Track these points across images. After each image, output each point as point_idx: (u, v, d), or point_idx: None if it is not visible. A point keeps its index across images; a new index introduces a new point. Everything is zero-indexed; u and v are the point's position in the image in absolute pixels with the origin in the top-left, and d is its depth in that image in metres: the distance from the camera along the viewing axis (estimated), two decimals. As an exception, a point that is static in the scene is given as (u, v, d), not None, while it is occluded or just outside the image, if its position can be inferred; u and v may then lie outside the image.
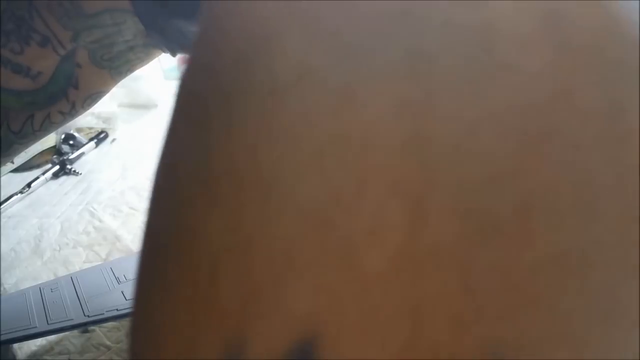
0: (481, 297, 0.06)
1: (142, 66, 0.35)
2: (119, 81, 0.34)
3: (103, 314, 0.34)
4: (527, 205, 0.06)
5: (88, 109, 0.34)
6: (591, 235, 0.06)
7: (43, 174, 0.61)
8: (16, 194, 0.58)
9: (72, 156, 0.65)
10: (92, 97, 0.34)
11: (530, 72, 0.06)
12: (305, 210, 0.06)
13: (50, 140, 0.68)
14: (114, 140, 0.70)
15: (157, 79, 0.83)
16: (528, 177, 0.06)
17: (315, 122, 0.06)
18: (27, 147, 0.34)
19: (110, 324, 0.40)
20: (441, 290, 0.06)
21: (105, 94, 0.35)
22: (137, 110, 0.76)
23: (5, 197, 0.57)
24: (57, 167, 0.62)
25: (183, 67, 0.08)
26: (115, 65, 0.32)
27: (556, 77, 0.07)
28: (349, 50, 0.07)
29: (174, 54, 0.34)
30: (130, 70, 0.34)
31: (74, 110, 0.33)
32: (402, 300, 0.06)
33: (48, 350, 0.39)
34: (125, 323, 0.40)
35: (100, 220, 0.53)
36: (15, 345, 0.39)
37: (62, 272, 0.46)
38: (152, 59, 0.34)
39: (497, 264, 0.06)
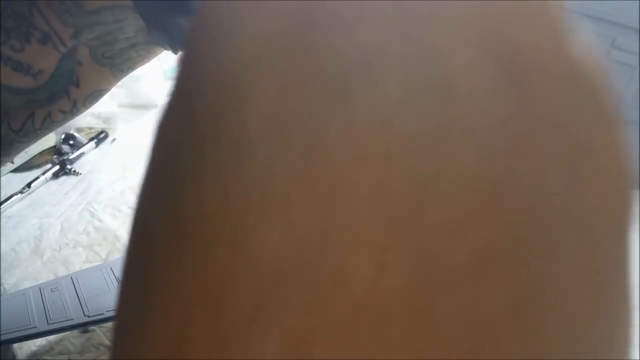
0: (441, 342, 0.06)
1: (143, 64, 0.34)
2: (120, 79, 0.34)
3: (103, 314, 0.34)
4: (487, 251, 0.06)
5: (89, 107, 0.34)
6: (553, 278, 0.06)
7: (43, 174, 0.61)
8: (16, 194, 0.58)
9: (72, 156, 0.65)
10: (94, 95, 0.33)
11: (490, 126, 0.07)
12: (272, 262, 0.06)
13: (50, 140, 0.68)
14: (114, 140, 0.70)
15: (157, 79, 0.83)
16: (487, 223, 0.06)
17: (284, 171, 0.06)
18: (28, 145, 0.34)
19: (110, 324, 0.40)
20: (403, 338, 0.06)
21: (106, 92, 0.35)
22: (137, 110, 0.76)
23: (5, 197, 0.57)
24: (57, 167, 0.62)
25: (163, 104, 0.08)
26: (117, 62, 0.32)
27: (516, 128, 0.07)
28: (317, 101, 0.07)
29: (175, 52, 0.34)
30: (132, 68, 0.34)
31: (75, 108, 0.33)
32: (366, 347, 0.06)
33: (48, 350, 0.39)
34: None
35: (100, 220, 0.53)
36: (15, 345, 0.39)
37: (62, 272, 0.46)
38: (153, 57, 0.34)
39: (457, 310, 0.06)
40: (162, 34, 0.32)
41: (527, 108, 0.07)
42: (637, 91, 0.26)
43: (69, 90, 0.32)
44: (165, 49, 0.34)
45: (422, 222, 0.06)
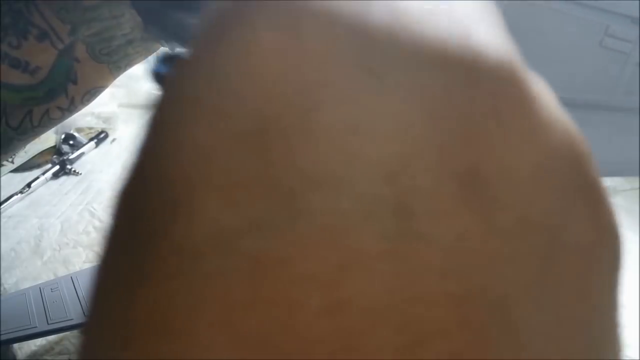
0: None
1: (140, 61, 0.34)
2: (117, 76, 0.34)
3: (103, 314, 0.34)
4: None
5: (87, 105, 0.34)
6: None
7: (43, 174, 0.61)
8: (16, 194, 0.58)
9: (72, 156, 0.65)
10: (91, 92, 0.33)
11: (449, 245, 0.06)
12: None
13: (50, 140, 0.68)
14: (114, 140, 0.70)
15: (157, 79, 0.84)
16: (451, 338, 0.06)
17: (231, 288, 0.06)
18: (26, 143, 0.34)
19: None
20: None
21: (104, 90, 0.35)
22: (137, 110, 0.76)
23: (5, 197, 0.57)
24: (57, 167, 0.62)
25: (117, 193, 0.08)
26: (114, 59, 0.32)
27: (478, 244, 0.07)
28: (267, 216, 0.06)
29: (172, 48, 0.34)
30: (129, 64, 0.34)
31: (73, 105, 0.33)
32: None
33: (48, 350, 0.39)
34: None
35: (100, 220, 0.53)
36: (15, 345, 0.39)
37: (62, 272, 0.46)
38: (150, 54, 0.34)
39: None
40: (158, 29, 0.32)
41: (490, 220, 0.07)
42: (630, 79, 0.26)
43: (66, 87, 0.32)
44: (163, 45, 0.34)
45: (376, 341, 0.06)
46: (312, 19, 0.07)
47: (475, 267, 0.06)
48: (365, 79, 0.07)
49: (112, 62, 0.32)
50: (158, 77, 0.10)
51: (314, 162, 0.07)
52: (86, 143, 0.67)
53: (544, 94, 0.08)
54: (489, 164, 0.07)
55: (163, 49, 0.10)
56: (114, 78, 0.34)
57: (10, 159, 0.64)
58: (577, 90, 0.27)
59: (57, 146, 0.67)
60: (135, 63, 0.34)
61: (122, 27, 0.31)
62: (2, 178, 0.62)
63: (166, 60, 0.10)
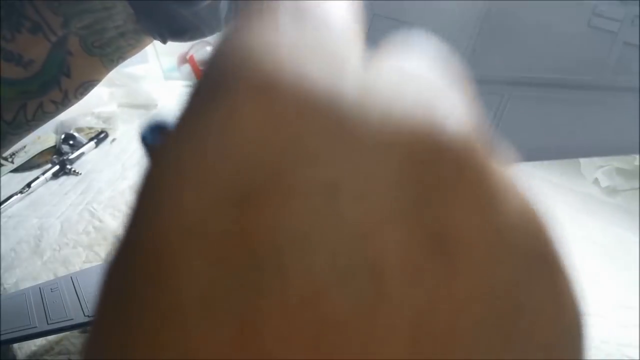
0: None
1: (133, 54, 0.34)
2: (110, 69, 0.34)
3: (103, 314, 0.34)
4: None
5: (81, 99, 0.34)
6: None
7: (43, 174, 0.61)
8: (16, 194, 0.58)
9: (72, 156, 0.65)
10: (85, 85, 0.33)
11: (417, 305, 0.07)
12: None
13: (50, 140, 0.68)
14: (114, 140, 0.70)
15: (157, 79, 0.84)
16: None
17: (217, 351, 0.06)
18: (20, 138, 0.34)
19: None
20: None
21: (97, 83, 0.35)
22: (137, 110, 0.76)
23: (5, 197, 0.57)
24: (57, 167, 0.62)
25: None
26: (107, 52, 0.32)
27: (444, 305, 0.07)
28: (249, 276, 0.07)
29: (164, 41, 0.34)
30: (122, 57, 0.34)
31: (67, 99, 0.33)
32: None
33: (48, 350, 0.39)
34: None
35: (100, 220, 0.53)
36: (15, 345, 0.39)
37: (62, 272, 0.46)
38: (143, 46, 0.34)
39: None
40: (150, 22, 0.32)
41: (454, 286, 0.07)
42: (618, 58, 0.26)
43: (60, 80, 0.32)
44: (155, 38, 0.34)
45: None
46: (288, 90, 0.08)
47: (440, 333, 0.07)
48: (338, 145, 0.07)
49: (105, 55, 0.32)
50: (146, 145, 0.11)
51: (289, 222, 0.07)
52: (86, 143, 0.67)
53: (503, 165, 0.08)
54: (452, 231, 0.07)
55: (153, 117, 0.10)
56: (108, 71, 0.34)
57: (10, 159, 0.64)
58: (566, 70, 0.27)
59: (57, 146, 0.67)
60: (128, 56, 0.34)
61: (114, 19, 0.31)
62: (2, 178, 0.62)
63: (154, 128, 0.11)
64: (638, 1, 0.25)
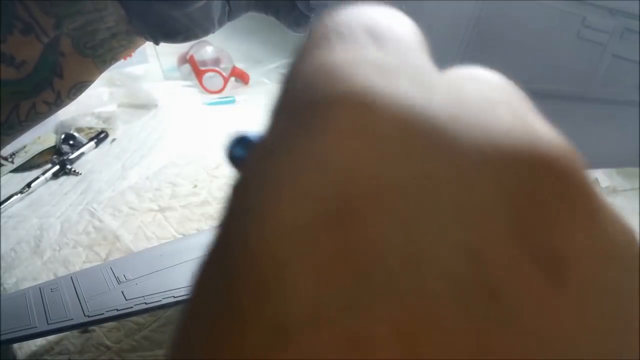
0: None
1: (125, 55, 0.34)
2: (103, 70, 0.34)
3: (103, 314, 0.34)
4: None
5: (73, 99, 0.34)
6: None
7: (43, 174, 0.61)
8: (16, 194, 0.58)
9: (72, 156, 0.65)
10: (77, 86, 0.33)
11: (538, 327, 0.07)
12: None
13: (50, 140, 0.68)
14: (114, 140, 0.70)
15: (157, 79, 0.84)
16: None
17: None
18: (14, 138, 0.34)
19: (110, 324, 0.40)
20: None
21: (90, 84, 0.35)
22: (137, 110, 0.76)
23: (5, 197, 0.57)
24: (57, 167, 0.62)
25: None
26: (99, 53, 0.32)
27: (564, 327, 0.07)
28: (357, 296, 0.07)
29: (156, 42, 0.34)
30: (115, 58, 0.34)
31: (60, 100, 0.33)
32: None
33: (48, 350, 0.39)
34: (125, 323, 0.40)
35: (100, 220, 0.53)
36: (15, 345, 0.39)
37: (62, 272, 0.46)
38: (135, 47, 0.34)
39: None
40: (142, 23, 0.32)
41: (573, 304, 0.07)
42: (607, 70, 0.26)
43: (52, 81, 0.32)
44: (147, 39, 0.34)
45: None
46: (385, 108, 0.08)
47: (561, 352, 0.07)
48: (440, 163, 0.07)
49: (97, 56, 0.32)
50: (234, 159, 0.11)
51: (398, 240, 0.07)
52: (86, 143, 0.67)
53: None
54: (562, 249, 0.07)
55: (237, 132, 0.10)
56: (100, 72, 0.34)
57: (10, 159, 0.64)
58: (554, 81, 0.27)
59: (57, 146, 0.67)
60: (121, 57, 0.34)
61: (106, 21, 0.31)
62: (2, 178, 0.62)
63: (240, 142, 0.11)
64: (627, 14, 0.25)
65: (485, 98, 0.08)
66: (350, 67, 0.08)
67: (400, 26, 0.10)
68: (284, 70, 0.10)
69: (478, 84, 0.09)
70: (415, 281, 0.07)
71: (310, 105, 0.08)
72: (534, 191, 0.07)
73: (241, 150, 0.11)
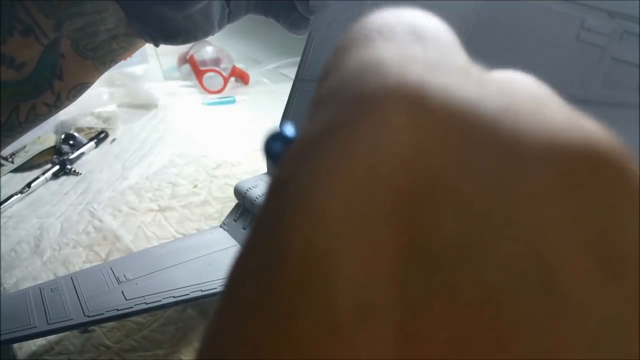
0: None
1: (125, 57, 0.34)
2: (103, 72, 0.34)
3: (103, 314, 0.34)
4: None
5: (73, 101, 0.34)
6: None
7: (43, 174, 0.61)
8: (16, 194, 0.58)
9: (72, 156, 0.65)
10: (77, 88, 0.33)
11: (593, 322, 0.07)
12: None
13: (50, 140, 0.68)
14: (114, 140, 0.70)
15: (157, 79, 0.84)
16: None
17: (375, 357, 0.06)
18: (13, 140, 0.34)
19: (110, 324, 0.40)
20: None
21: (90, 86, 0.35)
22: (137, 110, 0.76)
23: (5, 197, 0.57)
24: (57, 167, 0.62)
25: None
26: (99, 55, 0.32)
27: (617, 323, 0.07)
28: (410, 286, 0.07)
29: (156, 44, 0.34)
30: (114, 60, 0.34)
31: (59, 101, 0.33)
32: None
33: (48, 350, 0.39)
34: (125, 323, 0.40)
35: (100, 220, 0.53)
36: (15, 345, 0.39)
37: (62, 272, 0.46)
38: (135, 49, 0.34)
39: None
40: (142, 25, 0.32)
41: (628, 300, 0.07)
42: (606, 72, 0.26)
43: (52, 83, 0.32)
44: (147, 41, 0.34)
45: None
46: (437, 102, 0.08)
47: (622, 340, 0.07)
48: (495, 156, 0.07)
49: (97, 58, 0.32)
50: (271, 155, 0.11)
51: (456, 230, 0.07)
52: (86, 143, 0.67)
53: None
54: (623, 239, 0.07)
55: (274, 128, 0.10)
56: (100, 74, 0.34)
57: (10, 159, 0.64)
58: (553, 84, 0.27)
59: (57, 146, 0.67)
60: (121, 59, 0.34)
61: (106, 22, 0.31)
62: (2, 178, 0.62)
63: (277, 138, 0.11)
64: (626, 16, 0.25)
65: (533, 96, 0.08)
66: (400, 62, 0.08)
67: (437, 26, 0.10)
68: (321, 69, 0.10)
69: (521, 83, 0.09)
70: (475, 271, 0.06)
71: (360, 99, 0.08)
72: (592, 185, 0.07)
73: (279, 146, 0.11)
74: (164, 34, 0.33)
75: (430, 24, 0.10)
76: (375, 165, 0.07)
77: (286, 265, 0.07)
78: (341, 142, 0.08)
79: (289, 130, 0.11)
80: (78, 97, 0.34)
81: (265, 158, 0.11)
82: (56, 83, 0.32)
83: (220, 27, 0.34)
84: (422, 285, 0.06)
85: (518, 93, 0.08)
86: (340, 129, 0.08)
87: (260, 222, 0.08)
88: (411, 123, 0.08)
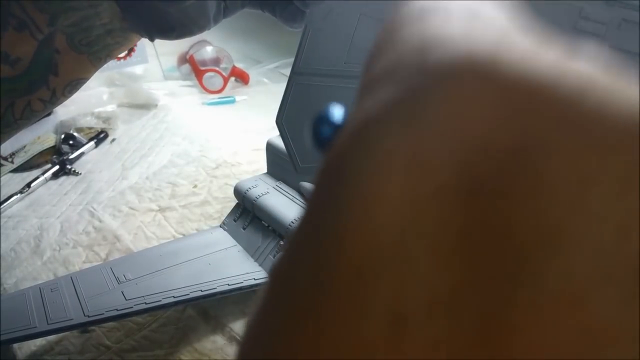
0: None
1: (121, 51, 0.34)
2: (98, 67, 0.34)
3: (103, 314, 0.34)
4: None
5: (69, 97, 0.34)
6: None
7: (43, 174, 0.61)
8: (16, 194, 0.58)
9: (72, 156, 0.65)
10: (72, 84, 0.33)
11: None
12: None
13: (50, 140, 0.68)
14: (114, 140, 0.70)
15: (157, 79, 0.84)
16: None
17: (456, 353, 0.06)
18: (9, 136, 0.34)
19: (110, 324, 0.40)
20: None
21: (85, 82, 0.34)
22: (137, 110, 0.76)
23: (5, 197, 0.57)
24: (57, 167, 0.62)
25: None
26: (94, 50, 0.32)
27: None
28: (493, 277, 0.06)
29: (151, 38, 0.34)
30: (110, 55, 0.34)
31: (55, 97, 0.33)
32: None
33: (48, 350, 0.39)
34: (125, 323, 0.40)
35: (100, 220, 0.53)
36: (15, 345, 0.39)
37: (62, 272, 0.46)
38: (130, 44, 0.34)
39: None
40: (137, 19, 0.32)
41: None
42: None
43: (47, 79, 0.32)
44: (142, 36, 0.34)
45: None
46: (508, 74, 0.07)
47: None
48: (579, 136, 0.07)
49: (92, 53, 0.32)
50: (320, 139, 0.10)
51: (541, 217, 0.06)
52: (86, 143, 0.67)
53: None
54: None
55: (321, 111, 0.10)
56: (95, 69, 0.34)
57: (10, 159, 0.64)
58: None
59: (57, 146, 0.67)
60: (116, 54, 0.34)
61: (101, 17, 0.31)
62: (2, 178, 0.62)
63: (325, 121, 0.10)
64: (624, 4, 0.25)
65: (599, 73, 0.08)
66: (466, 35, 0.08)
67: (492, 6, 0.09)
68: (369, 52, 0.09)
69: (586, 57, 0.08)
70: (563, 263, 0.06)
71: (426, 73, 0.07)
72: None
73: (328, 130, 0.10)
74: (159, 28, 0.33)
75: (486, 4, 0.09)
76: (447, 145, 0.07)
77: (346, 258, 0.07)
78: (405, 120, 0.07)
79: (337, 113, 0.10)
80: (74, 93, 0.34)
81: (312, 143, 0.11)
82: (51, 79, 0.32)
83: (216, 21, 0.34)
84: (501, 276, 0.06)
85: (586, 70, 0.08)
86: (403, 106, 0.07)
87: (313, 210, 0.08)
88: (486, 97, 0.07)
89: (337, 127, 0.09)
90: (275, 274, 0.08)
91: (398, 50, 0.08)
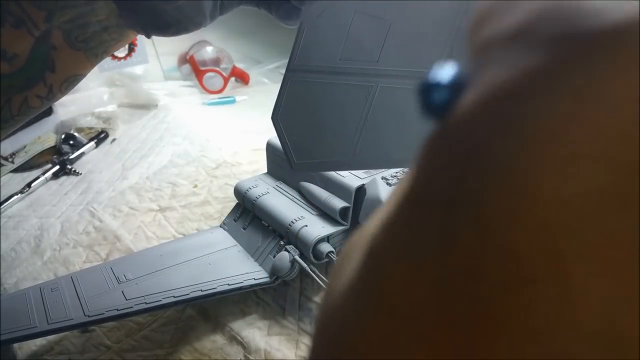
0: None
1: (117, 48, 0.34)
2: (95, 64, 0.34)
3: (103, 314, 0.34)
4: None
5: (65, 93, 0.34)
6: None
7: (43, 174, 0.61)
8: (16, 194, 0.58)
9: (72, 156, 0.65)
10: (69, 80, 0.34)
11: None
12: None
13: (50, 140, 0.68)
14: (114, 140, 0.70)
15: (157, 79, 0.84)
16: None
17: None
18: (7, 132, 0.34)
19: (110, 323, 0.40)
20: None
21: (82, 78, 0.35)
22: (137, 110, 0.76)
23: (5, 197, 0.57)
24: (57, 167, 0.62)
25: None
26: (90, 46, 0.32)
27: None
28: None
29: (148, 36, 0.34)
30: (106, 52, 0.34)
31: (52, 94, 0.33)
32: None
33: (48, 350, 0.39)
34: (125, 323, 0.40)
35: (100, 220, 0.53)
36: (16, 345, 0.39)
37: (62, 272, 0.46)
38: (127, 40, 0.34)
39: None
40: (133, 16, 0.32)
41: None
42: None
43: (44, 75, 0.32)
44: (138, 32, 0.34)
45: None
46: None
47: None
48: None
49: (89, 49, 0.33)
50: (432, 106, 0.08)
51: None
52: (86, 143, 0.67)
53: None
54: None
55: (431, 75, 0.08)
56: (92, 65, 0.34)
57: (10, 159, 0.64)
58: None
59: (57, 146, 0.67)
60: (113, 50, 0.34)
61: (97, 14, 0.31)
62: (2, 178, 0.62)
63: (438, 86, 0.08)
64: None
65: None
66: (612, 3, 0.06)
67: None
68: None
69: None
70: None
71: (577, 38, 0.06)
72: None
73: (443, 94, 0.09)
74: (155, 25, 0.33)
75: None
76: (616, 122, 0.06)
77: (492, 259, 0.06)
78: (559, 91, 0.06)
79: (448, 73, 0.09)
80: (70, 89, 0.34)
81: (422, 111, 0.09)
82: (48, 75, 0.32)
83: (212, 18, 0.34)
84: None
85: None
86: (553, 75, 0.06)
87: (432, 199, 0.07)
88: None
89: (454, 92, 0.08)
90: (369, 263, 0.07)
91: (524, 12, 0.07)
